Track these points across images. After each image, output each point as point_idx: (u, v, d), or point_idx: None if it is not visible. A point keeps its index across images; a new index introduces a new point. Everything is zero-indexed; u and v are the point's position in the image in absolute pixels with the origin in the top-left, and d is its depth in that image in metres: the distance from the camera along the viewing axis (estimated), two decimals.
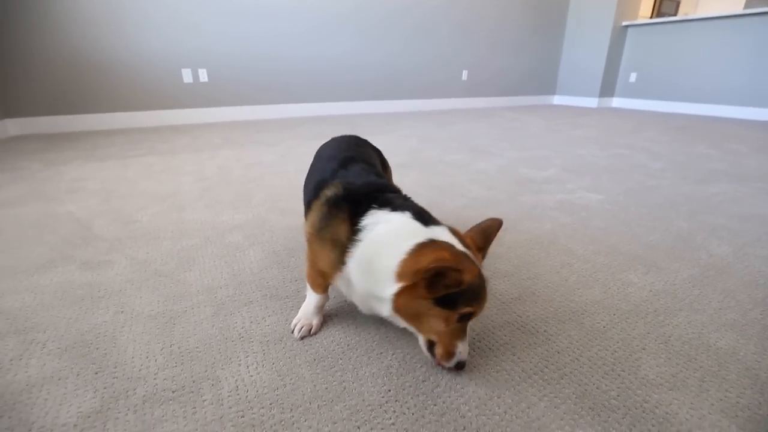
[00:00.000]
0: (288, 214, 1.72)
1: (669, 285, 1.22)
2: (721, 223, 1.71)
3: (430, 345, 0.81)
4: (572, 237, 1.55)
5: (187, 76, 4.54)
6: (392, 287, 0.73)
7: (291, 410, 0.75)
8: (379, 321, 1.02)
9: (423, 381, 0.84)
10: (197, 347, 0.90)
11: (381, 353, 0.91)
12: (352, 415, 0.75)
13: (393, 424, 0.73)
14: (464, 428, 0.72)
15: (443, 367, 0.84)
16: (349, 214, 0.80)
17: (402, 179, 2.28)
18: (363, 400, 0.78)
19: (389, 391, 0.80)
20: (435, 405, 0.77)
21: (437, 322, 0.76)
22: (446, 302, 0.73)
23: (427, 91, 6.17)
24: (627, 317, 1.06)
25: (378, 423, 0.73)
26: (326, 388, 0.81)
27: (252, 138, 3.60)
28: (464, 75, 6.44)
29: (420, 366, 0.87)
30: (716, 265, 1.35)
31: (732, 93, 5.64)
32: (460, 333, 0.78)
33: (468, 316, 0.76)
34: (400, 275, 0.72)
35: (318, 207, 0.86)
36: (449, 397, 0.79)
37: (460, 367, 0.81)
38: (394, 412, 0.76)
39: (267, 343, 0.92)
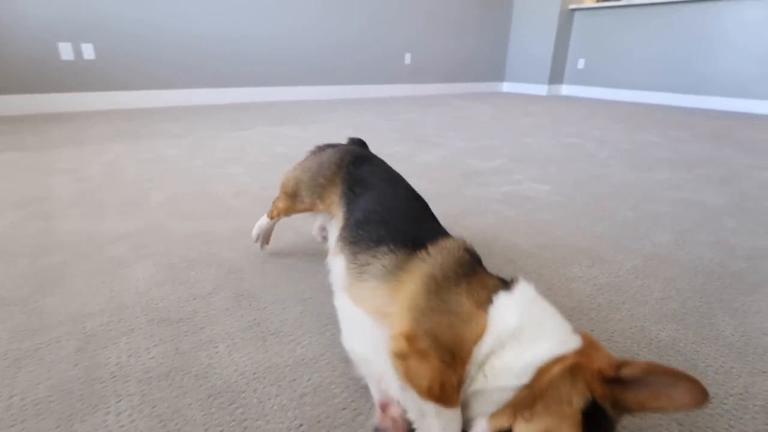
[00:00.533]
0: (191, 219, 1.58)
1: (613, 277, 1.26)
2: (664, 211, 1.82)
3: None
4: (517, 231, 1.57)
5: (66, 51, 3.95)
6: (547, 351, 0.63)
7: None
8: (298, 339, 0.95)
9: (342, 409, 0.78)
10: (49, 396, 0.76)
11: (294, 380, 0.84)
12: None
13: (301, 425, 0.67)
14: None
15: None
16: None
17: None
18: None
19: (300, 425, 0.74)
20: None
21: (556, 424, 0.58)
22: (590, 419, 0.58)
23: (367, 75, 6.12)
24: (571, 314, 1.07)
25: None
26: (222, 431, 0.72)
27: (153, 128, 3.34)
28: (407, 58, 6.48)
29: (340, 392, 0.81)
30: (659, 253, 1.42)
31: (674, 81, 6.18)
32: None
33: None
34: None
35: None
36: (371, 424, 0.74)
37: None
38: None
39: (148, 381, 0.82)
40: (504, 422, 0.61)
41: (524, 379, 0.60)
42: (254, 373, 0.85)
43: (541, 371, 0.60)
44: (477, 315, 0.66)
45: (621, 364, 0.59)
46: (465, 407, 0.66)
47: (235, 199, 1.82)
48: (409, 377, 0.64)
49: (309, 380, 0.84)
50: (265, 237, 1.38)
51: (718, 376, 0.89)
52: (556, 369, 0.60)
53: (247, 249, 1.37)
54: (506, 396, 0.61)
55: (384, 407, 0.57)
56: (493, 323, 0.66)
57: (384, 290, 0.77)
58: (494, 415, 0.62)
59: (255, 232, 1.37)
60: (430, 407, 0.63)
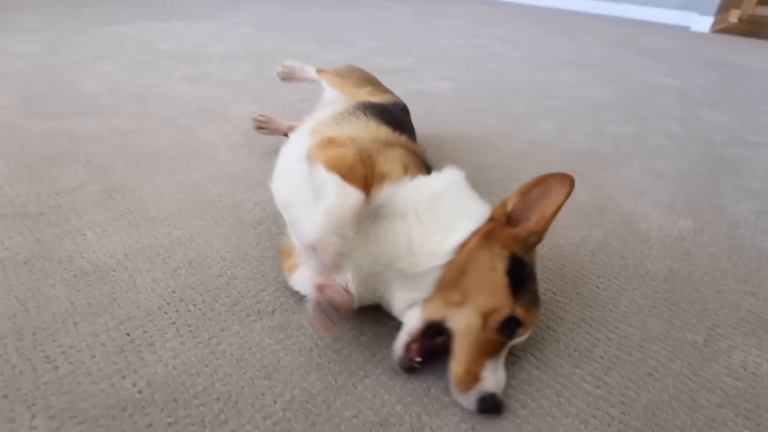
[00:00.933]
0: (53, 118, 1.45)
1: (496, 160, 1.40)
2: (554, 105, 1.99)
3: (426, 332, 0.65)
4: (415, 124, 1.65)
5: None
6: (466, 228, 0.67)
7: (33, 334, 0.69)
8: (175, 223, 0.97)
9: (218, 276, 0.84)
10: None
11: (168, 257, 0.88)
12: (120, 324, 0.72)
13: (173, 323, 0.73)
14: (259, 312, 0.76)
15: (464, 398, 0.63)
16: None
17: (229, 72, 2.10)
18: (138, 308, 0.75)
19: (173, 292, 0.79)
20: (228, 296, 0.79)
21: (489, 300, 0.62)
22: (515, 276, 0.64)
23: None
24: None
25: (154, 326, 0.72)
26: (88, 303, 0.75)
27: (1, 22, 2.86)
28: None
29: (216, 263, 0.87)
30: (540, 140, 1.59)
31: None
32: (494, 350, 0.63)
33: (514, 327, 0.63)
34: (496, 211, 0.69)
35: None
36: (245, 286, 0.81)
37: (486, 405, 0.61)
38: (177, 311, 0.75)
39: (3, 269, 0.81)
40: (435, 311, 0.64)
41: (448, 256, 0.65)
42: (125, 254, 0.87)
43: (462, 246, 0.65)
44: (400, 167, 0.72)
45: (503, 204, 0.69)
46: (392, 293, 0.69)
47: (109, 96, 1.68)
48: (319, 155, 0.67)
49: (184, 256, 0.88)
50: (294, 75, 1.43)
51: (563, 231, 1.07)
52: (473, 241, 0.66)
53: (121, 146, 1.31)
54: (433, 277, 0.65)
55: (321, 288, 0.61)
56: (418, 183, 0.71)
57: (350, 129, 0.90)
58: (426, 303, 0.65)
59: (290, 62, 1.43)
60: (333, 178, 0.64)
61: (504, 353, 0.64)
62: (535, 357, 0.72)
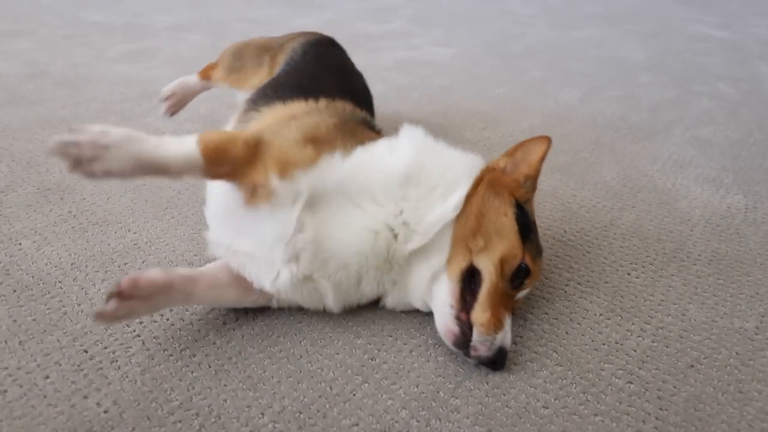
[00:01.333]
0: None
1: (506, 137, 1.49)
2: (577, 69, 2.09)
3: (464, 281, 0.77)
4: (407, 99, 1.74)
5: None
6: (466, 183, 0.82)
7: None
8: (128, 226, 1.04)
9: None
10: None
11: (125, 263, 0.94)
12: (74, 341, 0.78)
13: (138, 335, 0.79)
14: (237, 319, 0.83)
15: (472, 355, 0.75)
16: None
17: (177, 46, 2.17)
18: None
19: None
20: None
21: (505, 245, 0.77)
22: (521, 224, 0.80)
23: None
24: None
25: (115, 340, 0.78)
26: (33, 320, 0.82)
27: None
28: None
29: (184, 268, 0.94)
30: (560, 111, 1.68)
31: None
32: (507, 303, 0.78)
33: (523, 277, 0.79)
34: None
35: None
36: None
37: (501, 358, 0.75)
38: (140, 323, 0.81)
39: None
40: (461, 261, 0.78)
41: (456, 210, 0.79)
42: (72, 264, 0.94)
43: (468, 197, 0.80)
44: (312, 147, 0.78)
45: (497, 163, 0.89)
46: (408, 279, 0.81)
47: (30, 81, 1.75)
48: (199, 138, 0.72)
49: (143, 262, 0.95)
50: (184, 98, 1.47)
51: (588, 214, 1.15)
52: (480, 190, 0.82)
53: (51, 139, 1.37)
54: (447, 235, 0.79)
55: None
56: (369, 161, 0.80)
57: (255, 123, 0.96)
58: (449, 262, 0.78)
59: (169, 88, 1.45)
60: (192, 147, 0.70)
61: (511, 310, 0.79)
62: (557, 352, 0.80)
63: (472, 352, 0.74)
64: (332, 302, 0.80)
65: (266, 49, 1.36)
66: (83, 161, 0.65)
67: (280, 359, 0.77)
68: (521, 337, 0.83)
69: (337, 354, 0.78)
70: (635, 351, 0.81)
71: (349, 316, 0.84)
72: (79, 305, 0.85)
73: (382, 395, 0.72)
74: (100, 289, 0.88)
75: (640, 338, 0.83)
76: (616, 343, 0.82)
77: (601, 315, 0.88)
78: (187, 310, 0.85)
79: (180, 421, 0.67)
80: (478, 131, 1.52)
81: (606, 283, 0.95)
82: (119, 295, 0.71)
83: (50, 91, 1.69)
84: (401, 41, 2.41)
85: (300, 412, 0.69)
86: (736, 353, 0.82)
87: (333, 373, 0.75)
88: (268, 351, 0.78)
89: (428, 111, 1.65)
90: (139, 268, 0.93)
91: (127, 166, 0.67)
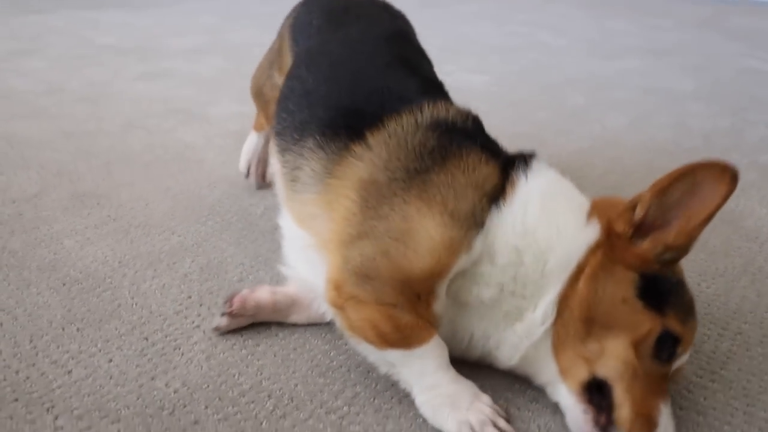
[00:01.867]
0: None
1: (553, 158, 1.59)
2: (621, 97, 2.23)
3: (591, 395, 0.70)
4: None
5: None
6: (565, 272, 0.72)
7: (30, 341, 0.83)
8: (172, 229, 1.13)
9: (239, 281, 0.99)
10: None
11: (174, 263, 1.03)
12: (133, 329, 0.86)
13: (198, 326, 0.88)
14: None
15: None
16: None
17: (196, 68, 2.33)
18: (151, 313, 0.90)
19: (189, 297, 0.94)
20: None
21: (631, 331, 0.68)
22: (652, 295, 0.70)
23: None
24: None
25: (176, 329, 0.86)
26: (88, 310, 0.90)
27: None
28: None
29: (234, 268, 1.03)
30: (607, 136, 1.79)
31: None
32: (660, 386, 0.70)
33: (671, 346, 0.69)
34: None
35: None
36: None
37: None
38: (199, 315, 0.90)
39: None
40: (579, 374, 0.70)
41: (547, 322, 0.72)
42: (120, 261, 1.03)
43: (562, 296, 0.72)
44: (436, 231, 0.71)
45: (630, 208, 0.71)
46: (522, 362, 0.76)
47: (48, 97, 1.89)
48: (354, 330, 0.73)
49: (192, 262, 1.04)
50: (262, 163, 1.34)
51: None
52: (583, 283, 0.71)
53: (80, 150, 1.49)
54: (545, 348, 0.73)
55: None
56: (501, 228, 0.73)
57: (319, 205, 0.82)
58: (563, 374, 0.72)
59: (244, 160, 1.35)
60: (392, 354, 0.72)
61: (668, 391, 0.71)
62: None
63: None
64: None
65: (270, 63, 1.33)
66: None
67: (347, 350, 0.84)
68: None
69: None
70: (714, 353, 0.89)
71: None
72: (132, 298, 0.94)
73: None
74: (151, 285, 0.97)
75: (718, 342, 0.91)
76: (694, 345, 0.90)
77: None
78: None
79: (253, 402, 0.75)
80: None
81: None
82: (230, 314, 0.86)
83: (70, 106, 1.82)
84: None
85: (374, 398, 0.76)
86: None
87: None
88: (333, 343, 0.86)
89: None
90: (188, 267, 1.02)
91: None
